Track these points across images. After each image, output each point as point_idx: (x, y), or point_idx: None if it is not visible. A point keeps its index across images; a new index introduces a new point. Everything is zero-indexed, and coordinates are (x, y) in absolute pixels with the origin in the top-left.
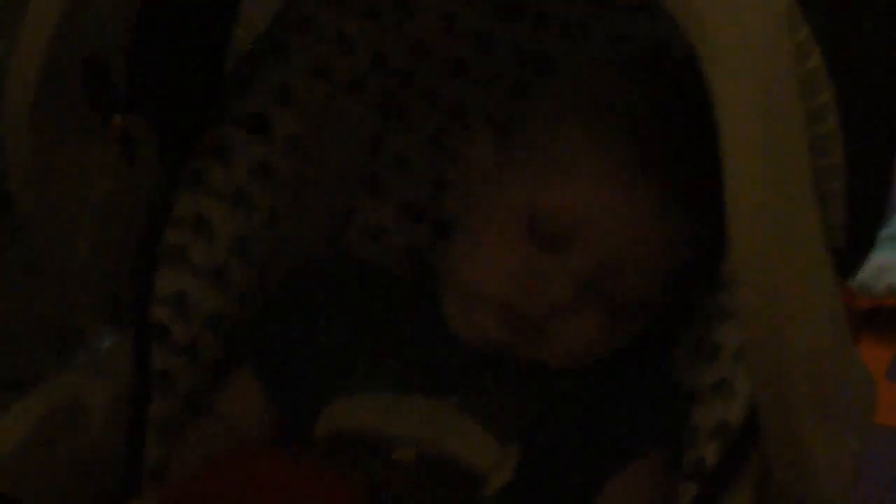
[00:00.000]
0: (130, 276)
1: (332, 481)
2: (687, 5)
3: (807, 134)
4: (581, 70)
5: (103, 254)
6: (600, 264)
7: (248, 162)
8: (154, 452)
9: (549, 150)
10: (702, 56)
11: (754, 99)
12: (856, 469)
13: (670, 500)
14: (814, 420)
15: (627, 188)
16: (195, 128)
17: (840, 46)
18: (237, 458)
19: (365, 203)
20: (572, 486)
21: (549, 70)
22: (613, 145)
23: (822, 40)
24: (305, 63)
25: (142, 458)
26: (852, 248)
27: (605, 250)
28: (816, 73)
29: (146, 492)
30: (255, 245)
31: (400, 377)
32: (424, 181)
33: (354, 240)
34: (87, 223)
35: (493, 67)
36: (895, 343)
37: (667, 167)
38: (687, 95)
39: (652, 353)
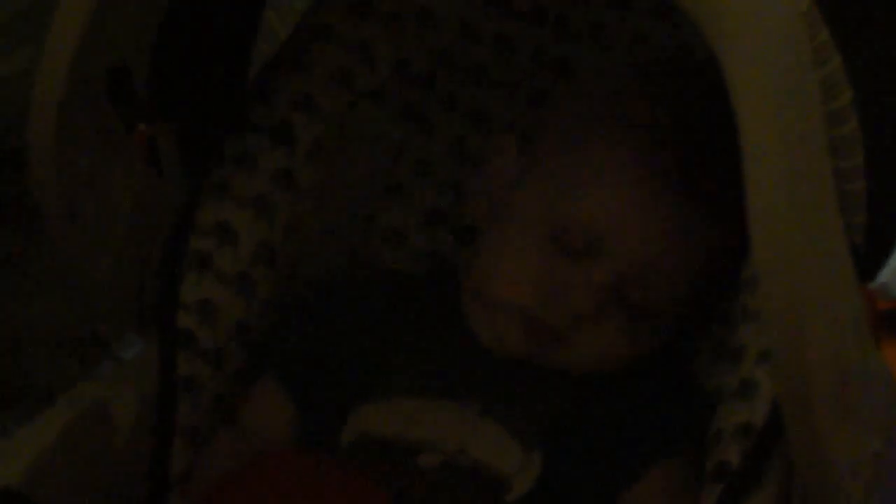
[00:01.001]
0: (156, 283)
1: (358, 484)
2: (705, 4)
3: (827, 135)
4: (603, 77)
5: (129, 262)
6: (623, 274)
7: (270, 169)
8: (180, 460)
9: (572, 159)
10: (721, 58)
11: (775, 101)
12: (879, 471)
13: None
14: (836, 421)
15: (651, 199)
16: (219, 136)
17: (857, 49)
18: (263, 462)
19: (387, 209)
20: (595, 492)
21: (570, 76)
22: (636, 155)
23: (840, 43)
24: (327, 71)
25: (168, 467)
26: (873, 250)
27: (629, 260)
28: (836, 75)
29: (173, 499)
30: (280, 252)
31: (424, 383)
32: (446, 187)
33: (377, 246)
34: (112, 231)
35: (514, 73)
36: None
37: (690, 176)
38: (709, 101)
39: (674, 357)
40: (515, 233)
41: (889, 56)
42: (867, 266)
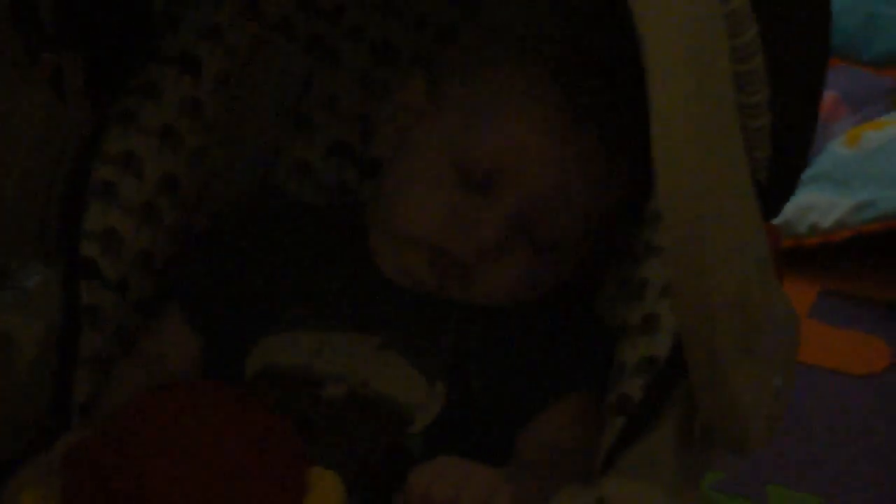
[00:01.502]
0: (59, 212)
1: (260, 414)
2: None
3: (731, 70)
4: (508, 12)
5: (31, 190)
6: (527, 206)
7: (177, 99)
8: (83, 389)
9: (475, 94)
10: None
11: (679, 37)
12: (780, 406)
13: (598, 435)
14: (737, 357)
15: (554, 132)
16: (125, 65)
17: None
18: (164, 391)
19: (294, 141)
20: (498, 424)
21: (476, 10)
22: (540, 90)
23: None
24: (234, 1)
25: (71, 395)
26: (777, 188)
27: (532, 193)
28: (741, 12)
29: (76, 427)
30: (185, 182)
31: (328, 315)
32: (353, 120)
33: (284, 178)
34: (15, 158)
35: (422, 6)
36: (818, 282)
37: (593, 111)
38: (613, 36)
39: (578, 292)
40: (420, 166)
41: None
42: (771, 203)
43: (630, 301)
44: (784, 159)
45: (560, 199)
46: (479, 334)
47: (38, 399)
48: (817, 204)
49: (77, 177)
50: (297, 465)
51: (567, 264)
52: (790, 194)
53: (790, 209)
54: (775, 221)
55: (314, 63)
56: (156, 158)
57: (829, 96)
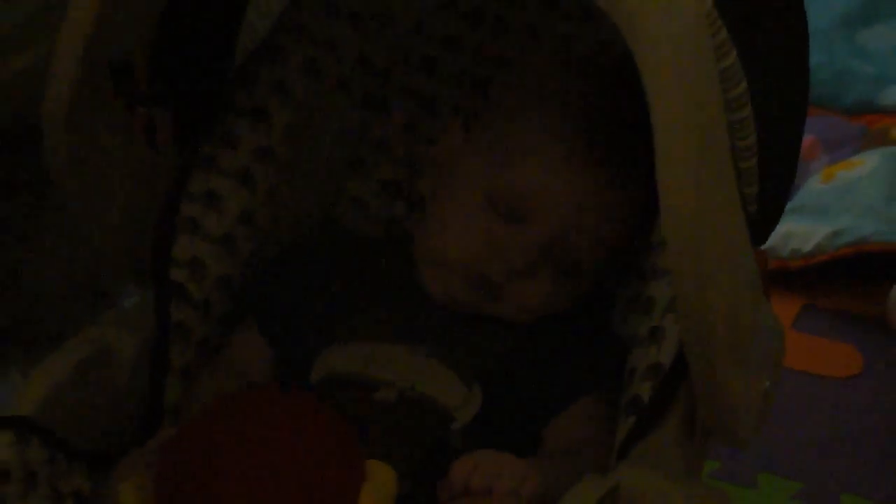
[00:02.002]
0: (152, 244)
1: (326, 414)
2: (621, 8)
3: (726, 119)
4: (535, 68)
5: (129, 225)
6: (551, 235)
7: (251, 146)
8: (173, 393)
9: (508, 137)
10: (636, 53)
11: (681, 88)
12: (768, 404)
13: (611, 433)
14: (732, 363)
15: (575, 171)
16: (206, 118)
17: (751, 48)
18: (243, 395)
19: (350, 180)
20: (525, 421)
21: (507, 68)
22: (563, 134)
23: (736, 42)
24: (299, 63)
25: (163, 399)
26: (764, 218)
27: (556, 223)
28: (733, 69)
29: (166, 427)
30: (259, 217)
31: (380, 329)
32: (401, 162)
33: (342, 212)
34: (115, 198)
35: (460, 65)
36: (800, 299)
37: (609, 153)
38: (626, 89)
39: (595, 308)
40: (458, 200)
41: (773, 54)
42: (759, 231)
43: (639, 316)
44: (770, 194)
45: (579, 230)
46: (509, 344)
47: (135, 402)
48: (798, 232)
49: (167, 213)
50: (355, 458)
51: (585, 284)
52: (775, 224)
53: (775, 236)
54: (763, 247)
55: (367, 114)
56: (234, 197)
57: (807, 140)
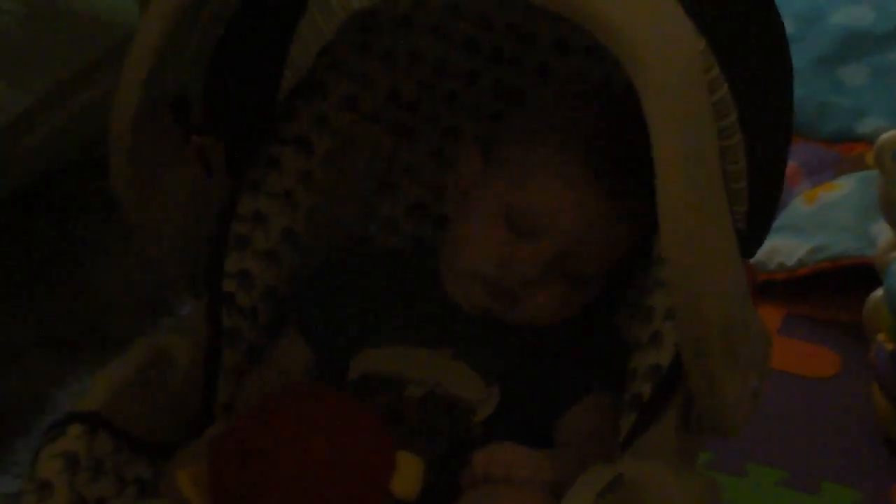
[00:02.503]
0: (206, 258)
1: (362, 410)
2: (624, 44)
3: (718, 146)
4: (547, 101)
5: (185, 241)
6: (562, 249)
7: (294, 171)
8: (225, 392)
9: (523, 162)
10: (637, 85)
11: (678, 117)
12: (757, 401)
13: (616, 427)
14: (724, 366)
15: (582, 192)
16: (254, 146)
17: (741, 83)
18: (288, 391)
19: (382, 202)
20: (539, 415)
21: (522, 100)
22: (572, 159)
23: (727, 77)
24: (337, 96)
25: (216, 396)
26: (753, 235)
27: (566, 239)
28: (724, 101)
29: (219, 421)
30: (301, 234)
31: (409, 334)
32: (428, 185)
33: (374, 231)
34: (173, 218)
35: (480, 98)
36: (785, 307)
37: (613, 176)
38: (628, 118)
39: (601, 314)
40: (478, 218)
41: (760, 88)
42: (748, 246)
43: (641, 322)
44: (758, 213)
45: (587, 244)
46: (525, 347)
47: (191, 400)
48: (783, 247)
49: (219, 231)
50: (386, 449)
51: (593, 292)
52: (763, 239)
53: (763, 251)
54: (752, 261)
55: (397, 142)
56: (278, 216)
57: (791, 166)
